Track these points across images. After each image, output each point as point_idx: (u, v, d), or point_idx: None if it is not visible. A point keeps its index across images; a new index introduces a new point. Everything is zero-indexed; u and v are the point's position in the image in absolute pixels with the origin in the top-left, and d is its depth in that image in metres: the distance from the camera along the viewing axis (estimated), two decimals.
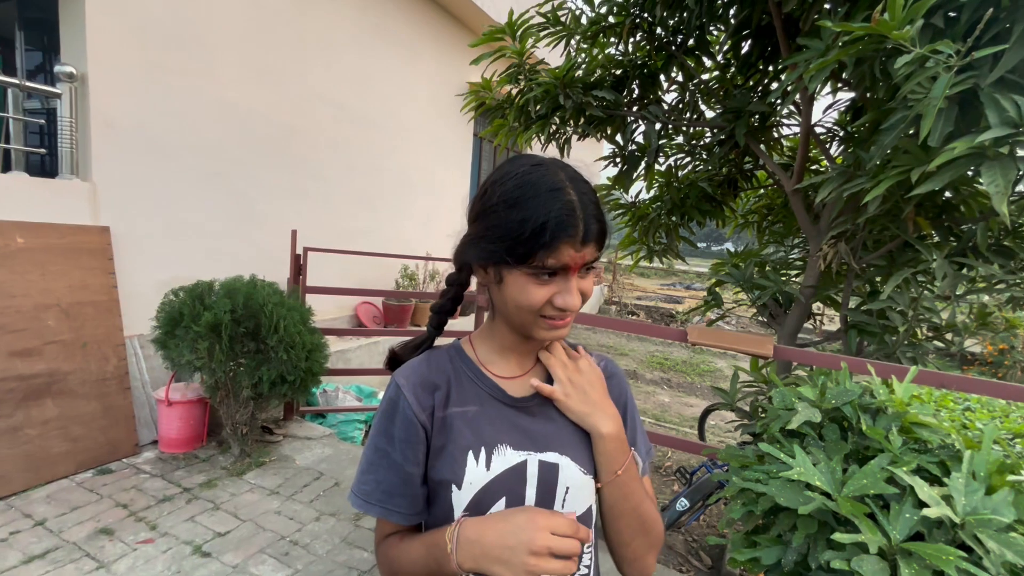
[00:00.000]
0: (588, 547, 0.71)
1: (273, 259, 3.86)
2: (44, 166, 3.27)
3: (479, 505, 0.64)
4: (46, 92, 2.80)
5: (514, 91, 2.84)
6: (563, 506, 0.67)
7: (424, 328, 0.81)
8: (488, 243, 0.61)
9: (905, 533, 1.10)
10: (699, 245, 3.76)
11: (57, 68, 2.74)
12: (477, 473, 0.64)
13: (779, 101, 2.20)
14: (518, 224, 0.58)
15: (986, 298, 2.33)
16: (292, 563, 2.11)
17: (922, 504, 1.12)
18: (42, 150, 3.06)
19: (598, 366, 0.76)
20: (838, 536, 1.08)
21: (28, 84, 2.76)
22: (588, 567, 0.71)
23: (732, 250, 3.17)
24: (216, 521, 2.34)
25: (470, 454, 0.65)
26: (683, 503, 2.27)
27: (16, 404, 2.46)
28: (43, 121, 3.19)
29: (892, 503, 1.16)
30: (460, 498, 0.64)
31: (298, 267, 3.38)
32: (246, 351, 2.70)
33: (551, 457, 0.66)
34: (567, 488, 0.67)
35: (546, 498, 0.66)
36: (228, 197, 3.69)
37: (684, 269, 22.88)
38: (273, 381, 2.72)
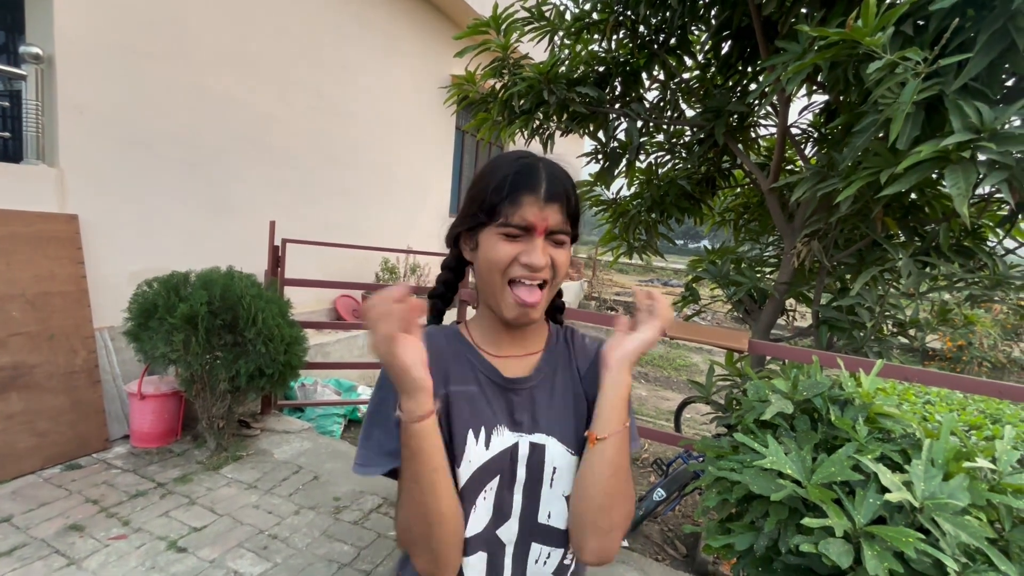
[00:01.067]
0: None
1: (250, 251, 3.78)
2: (7, 150, 3.14)
3: (476, 482, 0.66)
4: (10, 74, 2.68)
5: (498, 85, 2.84)
6: (551, 485, 0.69)
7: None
8: (465, 211, 0.69)
9: (869, 517, 1.16)
10: (677, 242, 3.83)
11: (22, 49, 2.63)
12: (477, 452, 0.65)
13: (757, 102, 2.26)
14: (486, 185, 0.65)
15: (947, 296, 2.45)
16: (271, 557, 2.09)
17: (885, 490, 1.18)
18: (5, 134, 2.93)
19: (600, 348, 0.77)
20: (807, 521, 1.13)
21: None
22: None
23: (709, 247, 3.24)
24: (192, 516, 2.30)
25: (470, 432, 0.66)
26: (660, 493, 2.32)
27: None
28: (6, 104, 3.05)
29: (857, 489, 1.21)
30: (459, 475, 0.65)
31: (276, 259, 3.32)
32: (223, 344, 2.65)
33: (538, 439, 0.68)
34: (554, 468, 0.68)
35: (535, 477, 0.68)
36: (204, 186, 3.60)
37: (662, 266, 23.22)
38: (251, 374, 2.68)
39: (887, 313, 2.14)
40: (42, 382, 2.59)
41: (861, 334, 2.14)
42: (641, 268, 23.24)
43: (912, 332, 2.28)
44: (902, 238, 2.09)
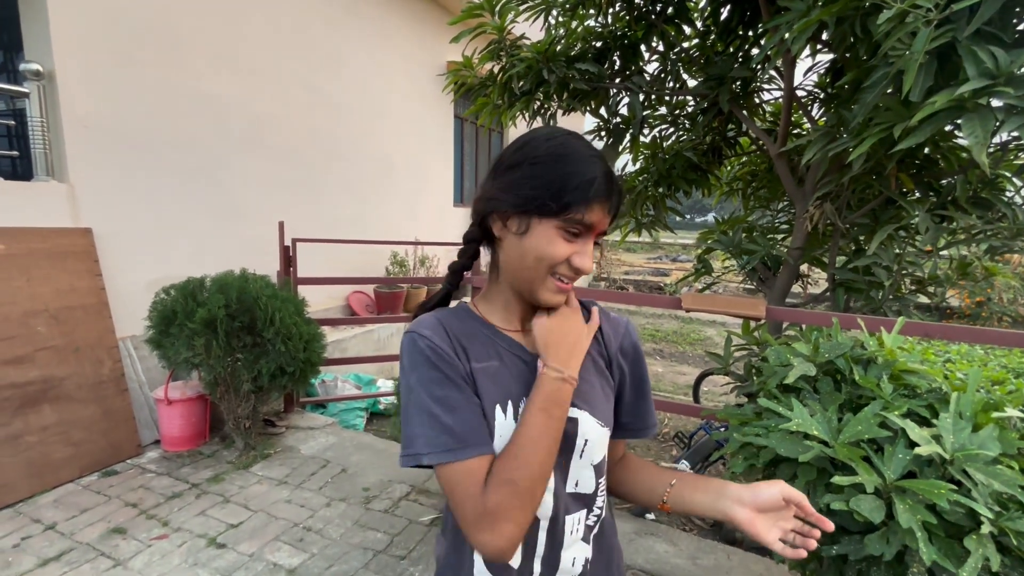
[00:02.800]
0: (601, 490, 0.74)
1: (261, 252, 3.81)
2: (16, 169, 3.17)
3: None
4: (12, 92, 2.70)
5: (496, 68, 2.81)
6: (581, 457, 0.70)
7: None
8: (529, 190, 0.63)
9: (899, 472, 1.16)
10: (685, 216, 3.81)
11: (22, 66, 2.64)
12: (506, 426, 0.65)
13: (761, 66, 2.21)
14: (565, 176, 0.63)
15: (966, 250, 2.41)
16: (308, 548, 2.15)
17: (913, 444, 1.18)
18: (13, 152, 2.96)
19: (628, 324, 0.82)
20: (837, 479, 1.14)
21: None
22: (601, 507, 0.75)
23: (717, 219, 3.21)
24: (228, 513, 2.36)
25: (498, 407, 0.66)
26: (684, 465, 2.34)
27: (13, 412, 2.44)
28: (11, 122, 3.08)
29: (886, 446, 1.22)
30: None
31: (288, 259, 3.35)
32: (243, 345, 2.69)
33: (571, 412, 0.68)
34: (586, 440, 0.69)
35: (567, 449, 0.69)
36: (210, 191, 3.62)
37: (669, 241, 23.04)
38: (273, 373, 2.72)
39: (905, 271, 2.12)
40: (72, 393, 2.65)
41: (879, 294, 2.12)
42: (649, 245, 23.09)
43: (931, 289, 2.25)
44: (917, 194, 2.05)
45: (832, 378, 1.47)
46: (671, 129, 3.18)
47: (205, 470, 2.73)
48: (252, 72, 3.84)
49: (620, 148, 3.10)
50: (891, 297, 2.08)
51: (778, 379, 1.46)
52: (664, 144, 3.23)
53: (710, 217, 3.43)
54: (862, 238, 2.42)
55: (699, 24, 2.79)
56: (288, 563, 2.06)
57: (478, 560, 0.70)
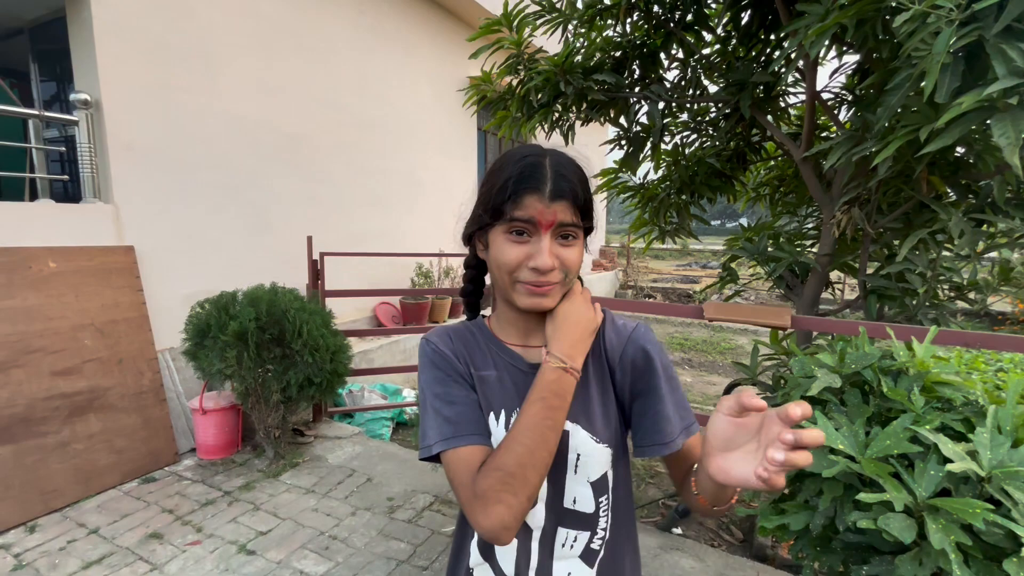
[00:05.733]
0: (604, 511, 0.72)
1: (290, 265, 3.94)
2: (67, 192, 3.39)
3: None
4: (63, 120, 2.90)
5: (514, 82, 2.84)
6: (575, 471, 0.69)
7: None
8: (479, 209, 0.69)
9: (931, 490, 1.11)
10: (713, 223, 3.74)
11: (72, 96, 2.83)
12: (498, 432, 0.68)
13: (782, 70, 2.17)
14: (494, 184, 0.65)
15: (1013, 254, 2.28)
16: (333, 556, 2.19)
17: (947, 461, 1.13)
18: (64, 176, 3.17)
19: (636, 330, 0.75)
20: (863, 496, 1.09)
21: (46, 114, 2.86)
22: (605, 529, 0.72)
23: (744, 225, 3.15)
24: (257, 521, 2.43)
25: (491, 415, 0.69)
26: None
27: (62, 420, 2.58)
28: (63, 148, 3.30)
29: (917, 462, 1.16)
30: None
31: (316, 272, 3.45)
32: (273, 356, 2.78)
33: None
34: (578, 455, 0.69)
35: (559, 463, 0.69)
36: (243, 208, 3.78)
37: (699, 248, 22.62)
38: (301, 384, 2.80)
39: (941, 277, 2.03)
40: (116, 403, 2.79)
41: (914, 301, 2.03)
42: (677, 253, 22.71)
43: (972, 295, 2.14)
44: (953, 197, 1.97)
45: (860, 390, 1.42)
46: (693, 136, 3.14)
47: (237, 478, 2.82)
48: (282, 93, 4.00)
49: (640, 157, 3.08)
50: (927, 304, 1.99)
51: (802, 391, 1.42)
52: (686, 151, 3.20)
53: (741, 222, 3.36)
54: (896, 243, 2.33)
55: (719, 30, 2.76)
56: (314, 571, 2.10)
57: (474, 551, 0.73)
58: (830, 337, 2.19)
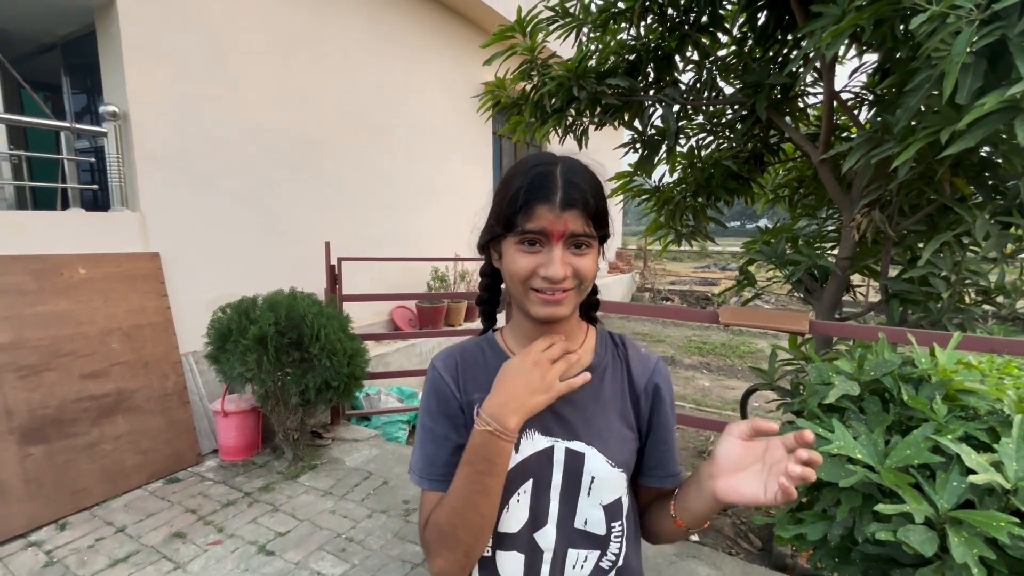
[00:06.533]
0: (616, 535, 0.72)
1: (310, 270, 4.01)
2: (97, 201, 3.51)
3: (509, 485, 0.67)
4: (93, 132, 3.00)
5: (528, 87, 2.86)
6: (589, 494, 0.69)
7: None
8: (492, 219, 0.69)
9: (953, 502, 1.08)
10: (733, 224, 3.69)
11: (101, 108, 2.94)
12: None
13: (801, 70, 2.14)
14: (505, 194, 0.65)
15: None
16: (349, 558, 2.22)
17: (970, 472, 1.10)
18: (94, 186, 3.28)
19: (658, 364, 0.76)
20: (882, 507, 1.07)
21: (77, 126, 2.97)
22: (616, 554, 0.72)
23: (766, 226, 3.10)
24: (276, 522, 2.48)
25: None
26: None
27: (91, 422, 2.67)
28: (93, 159, 3.42)
29: (938, 472, 1.13)
30: None
31: (334, 277, 3.51)
32: (291, 360, 2.83)
33: (577, 446, 0.68)
34: (592, 478, 0.69)
35: (572, 485, 0.69)
36: (263, 214, 3.86)
37: (718, 250, 22.31)
38: (319, 387, 2.85)
39: (967, 281, 1.97)
40: (142, 405, 2.88)
41: (938, 306, 1.98)
42: (696, 254, 22.44)
43: (1000, 299, 2.08)
44: (979, 198, 1.91)
45: (880, 398, 1.39)
46: (709, 138, 3.11)
47: (257, 479, 2.87)
48: (300, 101, 4.08)
49: (656, 160, 3.07)
50: (952, 309, 1.94)
51: (819, 398, 1.40)
52: (702, 153, 3.17)
53: (763, 223, 3.31)
54: (920, 245, 2.27)
55: (735, 31, 2.73)
56: (331, 572, 2.13)
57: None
58: (851, 342, 2.15)
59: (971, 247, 2.05)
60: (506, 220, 0.64)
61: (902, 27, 1.43)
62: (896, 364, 1.36)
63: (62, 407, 2.58)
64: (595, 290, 0.76)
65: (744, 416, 3.50)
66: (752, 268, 3.05)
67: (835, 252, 2.61)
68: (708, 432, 3.87)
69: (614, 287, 9.98)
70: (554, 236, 0.62)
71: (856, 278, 2.77)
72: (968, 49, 1.20)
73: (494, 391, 0.64)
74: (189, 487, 2.79)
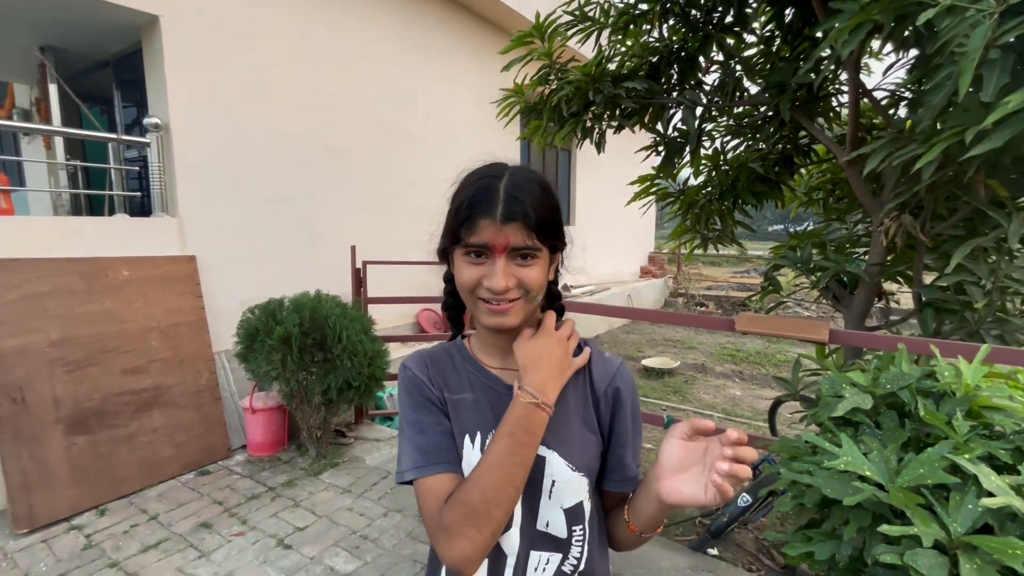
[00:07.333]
0: (578, 539, 0.72)
1: (338, 273, 4.13)
2: (141, 207, 3.74)
3: None
4: (138, 142, 3.20)
5: (546, 91, 2.86)
6: (549, 497, 0.69)
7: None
8: (443, 230, 0.71)
9: (968, 525, 1.01)
10: (776, 228, 3.57)
11: (145, 120, 3.13)
12: (473, 455, 0.68)
13: (823, 68, 2.05)
14: (451, 209, 0.68)
15: None
16: (362, 555, 2.26)
17: (989, 494, 1.02)
18: (138, 193, 3.49)
19: (621, 366, 0.76)
20: (886, 528, 1.01)
21: (123, 137, 3.18)
22: (578, 558, 0.72)
23: (798, 230, 2.99)
24: (296, 517, 2.56)
25: (467, 437, 0.69)
26: (744, 499, 2.17)
27: (131, 415, 2.84)
28: (138, 168, 3.64)
29: (953, 494, 1.06)
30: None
31: (359, 280, 3.60)
32: (315, 360, 2.93)
33: (539, 450, 0.68)
34: (553, 481, 0.69)
35: (533, 488, 0.69)
36: (293, 219, 4.01)
37: (758, 254, 21.54)
38: (340, 387, 2.93)
39: (1009, 289, 1.84)
40: (177, 400, 3.03)
41: (976, 316, 1.86)
42: (735, 259, 21.74)
43: None
44: (1019, 201, 1.78)
45: (897, 412, 1.31)
46: (734, 140, 3.03)
47: (281, 475, 2.98)
48: (330, 110, 4.22)
49: (678, 162, 3.00)
50: (990, 319, 1.81)
51: (830, 411, 1.33)
52: (728, 155, 3.08)
53: (808, 225, 3.18)
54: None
55: (761, 30, 2.65)
56: (344, 568, 2.18)
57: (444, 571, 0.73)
58: (881, 353, 2.04)
59: (1015, 253, 1.91)
60: (452, 233, 0.66)
61: (925, 23, 1.36)
62: (914, 377, 1.29)
63: (104, 400, 2.75)
64: (558, 296, 0.77)
65: (773, 428, 3.37)
66: (788, 274, 2.93)
67: (868, 258, 2.48)
68: None
69: (646, 292, 9.80)
70: (496, 249, 0.63)
71: (893, 286, 2.63)
72: (995, 44, 1.13)
73: (531, 368, 0.67)
74: (218, 480, 2.92)
